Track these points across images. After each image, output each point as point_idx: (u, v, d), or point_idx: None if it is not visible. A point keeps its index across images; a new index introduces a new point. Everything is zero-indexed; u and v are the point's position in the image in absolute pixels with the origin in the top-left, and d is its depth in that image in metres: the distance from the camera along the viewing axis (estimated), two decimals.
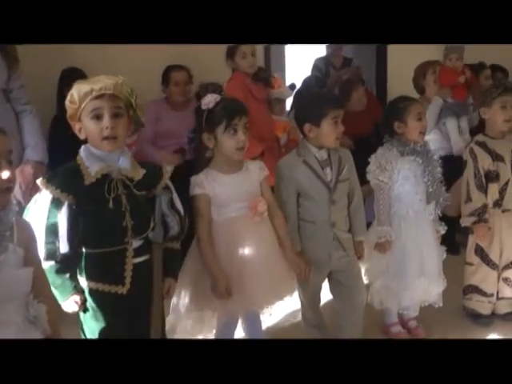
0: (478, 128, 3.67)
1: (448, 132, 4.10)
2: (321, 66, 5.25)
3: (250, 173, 2.31)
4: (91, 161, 1.91)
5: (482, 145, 2.92)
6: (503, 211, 2.94)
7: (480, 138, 2.98)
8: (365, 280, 2.77)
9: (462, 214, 2.96)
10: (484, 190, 2.89)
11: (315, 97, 2.65)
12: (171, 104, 3.81)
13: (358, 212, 2.57)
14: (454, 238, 3.79)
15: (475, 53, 4.33)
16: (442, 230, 2.81)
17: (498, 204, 2.92)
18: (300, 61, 6.75)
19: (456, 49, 4.29)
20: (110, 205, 1.88)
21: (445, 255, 2.83)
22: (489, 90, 2.99)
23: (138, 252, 1.97)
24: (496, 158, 2.90)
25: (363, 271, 2.76)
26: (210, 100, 2.20)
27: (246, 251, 2.23)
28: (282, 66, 6.92)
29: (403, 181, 2.69)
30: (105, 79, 1.92)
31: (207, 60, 3.79)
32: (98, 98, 1.88)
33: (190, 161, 2.78)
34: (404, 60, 4.55)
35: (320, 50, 5.59)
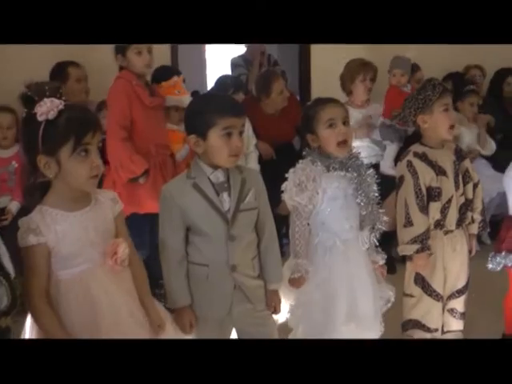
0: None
1: (384, 154, 3.82)
2: (239, 65, 4.78)
3: (101, 206, 1.76)
4: None
5: (423, 157, 2.45)
6: (445, 233, 2.49)
7: (418, 148, 2.49)
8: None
9: (399, 240, 2.47)
10: (426, 210, 2.42)
11: (204, 101, 2.06)
12: None
13: (271, 251, 2.04)
14: (389, 254, 3.36)
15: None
16: (381, 259, 2.32)
17: (439, 225, 2.47)
18: (221, 60, 6.28)
19: (401, 64, 3.95)
20: None
21: None
22: (423, 94, 2.46)
23: None
24: (439, 171, 2.44)
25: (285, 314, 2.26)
26: (50, 108, 1.58)
27: (110, 315, 1.69)
28: (201, 65, 6.52)
29: (330, 202, 2.17)
30: None
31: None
32: None
33: None
34: (329, 60, 4.26)
35: (241, 49, 5.11)
